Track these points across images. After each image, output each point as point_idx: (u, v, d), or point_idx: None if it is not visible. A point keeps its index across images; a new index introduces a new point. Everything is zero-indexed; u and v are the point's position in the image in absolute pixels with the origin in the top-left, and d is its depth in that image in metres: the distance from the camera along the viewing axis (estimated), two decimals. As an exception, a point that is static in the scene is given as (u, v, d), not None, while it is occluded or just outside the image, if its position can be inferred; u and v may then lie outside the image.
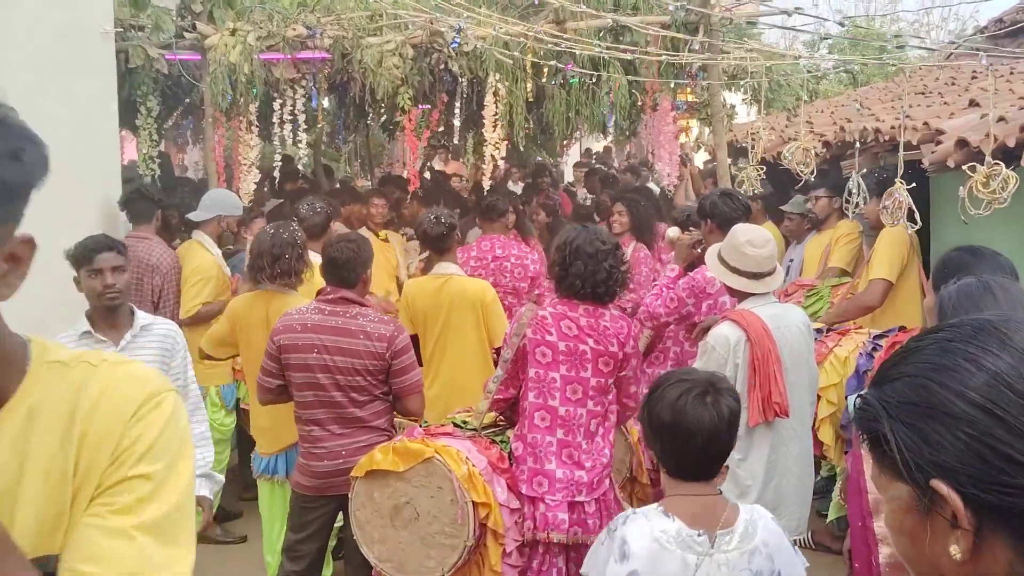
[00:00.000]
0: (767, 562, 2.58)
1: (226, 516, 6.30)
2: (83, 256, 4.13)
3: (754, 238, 4.27)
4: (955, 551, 1.02)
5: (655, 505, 2.64)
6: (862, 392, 1.17)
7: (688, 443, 2.60)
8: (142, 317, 4.24)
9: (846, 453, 4.45)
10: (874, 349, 4.91)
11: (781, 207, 7.39)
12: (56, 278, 5.47)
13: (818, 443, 4.84)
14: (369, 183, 12.43)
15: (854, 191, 5.86)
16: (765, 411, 4.10)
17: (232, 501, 6.48)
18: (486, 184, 8.60)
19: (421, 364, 5.16)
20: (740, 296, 4.33)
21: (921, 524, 1.07)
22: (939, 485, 1.02)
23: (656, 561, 2.50)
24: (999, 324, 1.08)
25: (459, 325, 5.30)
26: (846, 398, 4.55)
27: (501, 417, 4.32)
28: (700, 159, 13.61)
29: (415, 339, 5.30)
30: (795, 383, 4.21)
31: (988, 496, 1.00)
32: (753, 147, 7.43)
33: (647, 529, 2.54)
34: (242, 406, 6.07)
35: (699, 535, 2.55)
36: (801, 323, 4.38)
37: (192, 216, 6.33)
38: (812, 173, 6.72)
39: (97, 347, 3.82)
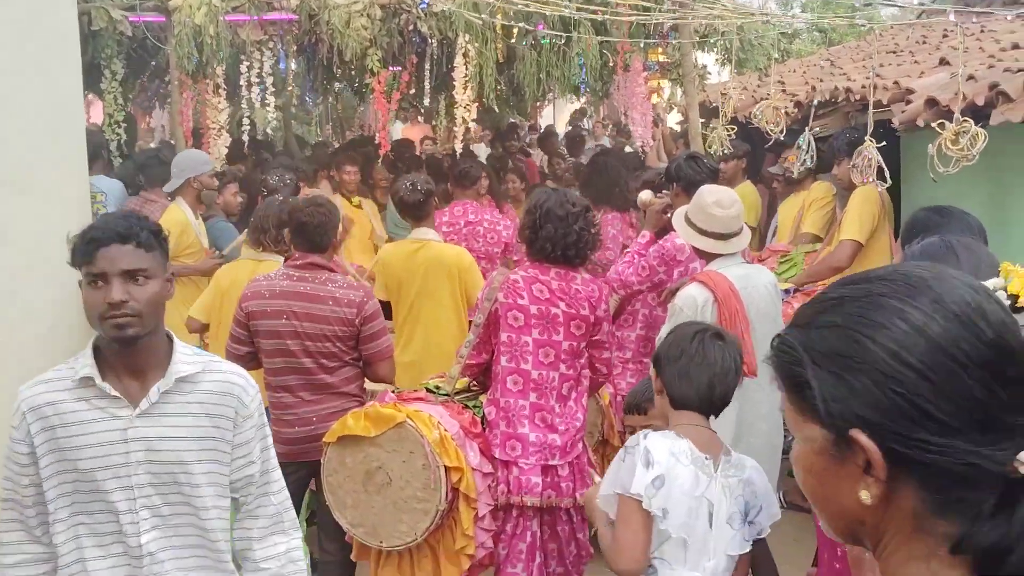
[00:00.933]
0: (753, 496, 2.79)
1: None
2: (81, 250, 2.40)
3: (721, 198, 4.29)
4: (865, 496, 1.08)
5: (666, 430, 2.79)
6: (780, 332, 1.18)
7: (701, 373, 2.79)
8: (184, 358, 2.49)
9: None
10: None
11: (769, 169, 7.39)
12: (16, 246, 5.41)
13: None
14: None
15: (803, 148, 5.86)
16: None
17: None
18: (457, 147, 8.53)
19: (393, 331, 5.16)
20: (708, 258, 4.34)
21: (832, 467, 1.11)
22: (859, 435, 1.06)
23: (674, 472, 2.65)
24: (933, 282, 1.09)
25: (434, 290, 5.26)
26: None
27: (474, 383, 4.32)
28: (672, 120, 13.57)
29: (389, 305, 5.27)
30: (763, 343, 4.22)
31: (907, 451, 1.04)
32: (723, 107, 7.40)
33: (666, 444, 2.69)
34: None
35: (706, 458, 2.73)
36: (769, 283, 4.42)
37: (166, 188, 6.35)
38: (782, 132, 6.71)
39: (101, 408, 2.39)
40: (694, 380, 2.80)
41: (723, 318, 4.10)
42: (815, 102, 6.14)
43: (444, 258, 5.29)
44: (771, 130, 6.62)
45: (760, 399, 4.28)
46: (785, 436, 4.49)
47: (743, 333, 4.09)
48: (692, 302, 4.16)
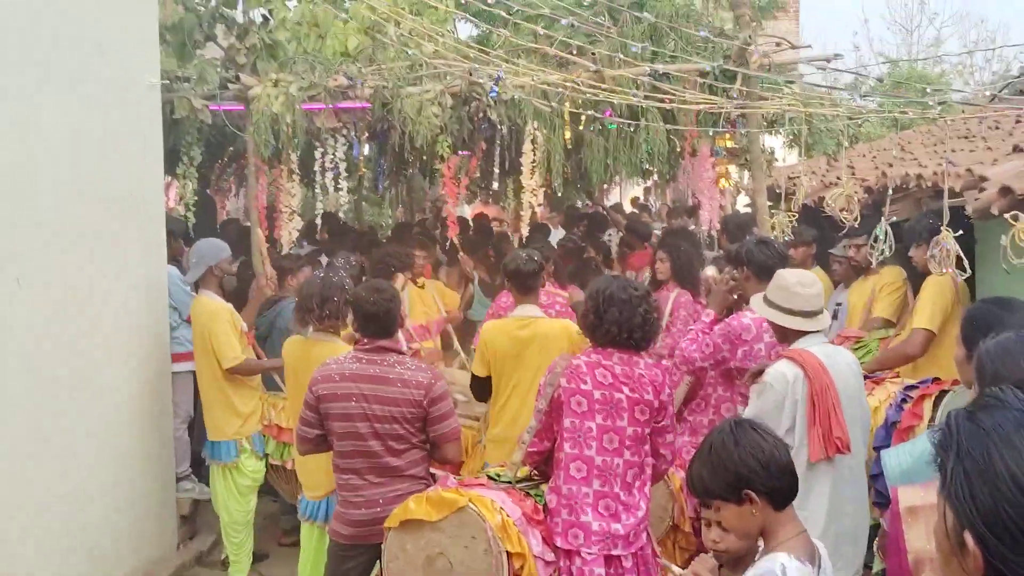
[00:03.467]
0: None
1: (259, 557, 6.41)
2: None
3: (802, 279, 4.40)
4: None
5: (782, 553, 2.54)
6: (962, 410, 1.22)
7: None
8: None
9: (875, 504, 4.38)
10: (904, 400, 4.82)
11: (830, 251, 7.34)
12: (105, 324, 5.62)
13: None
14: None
15: (880, 238, 5.81)
16: (827, 446, 4.08)
17: (268, 544, 6.58)
18: (524, 230, 8.65)
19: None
20: (791, 337, 4.34)
21: (952, 553, 1.17)
22: (968, 538, 1.11)
23: None
24: None
25: (541, 366, 5.14)
26: (875, 450, 4.48)
27: (535, 472, 4.31)
28: (741, 203, 13.58)
29: (487, 381, 5.26)
30: (849, 422, 4.20)
31: (1003, 569, 1.09)
32: (793, 193, 7.40)
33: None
34: (271, 462, 6.16)
35: (811, 568, 2.54)
36: (852, 363, 4.43)
37: (188, 279, 6.41)
38: (856, 220, 6.67)
39: None
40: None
41: (815, 393, 4.08)
42: (890, 190, 6.10)
43: (554, 334, 5.17)
44: (844, 218, 6.58)
45: (847, 479, 4.23)
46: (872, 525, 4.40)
47: (835, 407, 4.09)
48: (782, 378, 4.15)
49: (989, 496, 1.09)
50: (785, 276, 4.42)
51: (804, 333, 4.30)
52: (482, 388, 5.34)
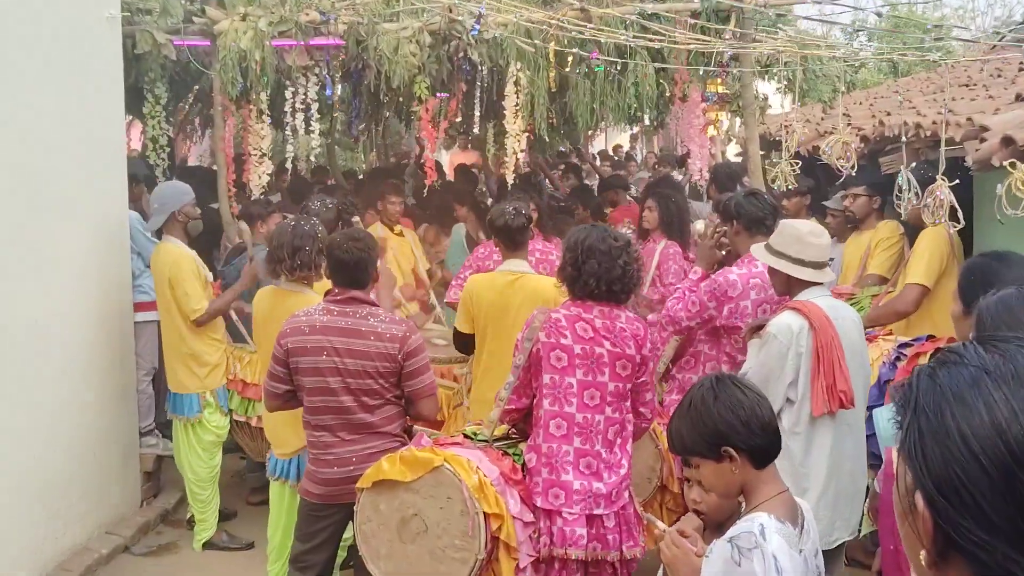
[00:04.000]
0: (816, 562, 2.61)
1: (227, 516, 6.38)
2: None
3: (813, 228, 4.48)
4: (922, 556, 1.14)
5: (762, 513, 2.51)
6: (926, 365, 1.21)
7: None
8: None
9: (870, 467, 4.40)
10: (897, 358, 4.84)
11: (823, 203, 7.30)
12: (60, 270, 5.53)
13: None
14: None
15: (904, 188, 5.73)
16: (830, 400, 4.10)
17: (235, 503, 6.57)
18: (509, 178, 8.55)
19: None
20: (795, 289, 4.34)
21: (905, 515, 1.18)
22: (919, 500, 1.12)
23: (798, 571, 2.45)
24: None
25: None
26: (868, 409, 4.49)
27: (513, 430, 4.30)
28: (731, 152, 13.54)
29: (470, 338, 5.21)
30: (852, 376, 4.22)
31: (952, 533, 1.09)
32: (786, 141, 7.35)
33: (783, 542, 2.44)
34: (236, 417, 6.11)
35: (795, 532, 2.53)
36: (854, 317, 4.46)
37: (150, 225, 6.28)
38: (853, 168, 6.63)
39: None
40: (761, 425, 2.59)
41: (820, 345, 4.10)
42: (903, 137, 6.04)
43: (542, 291, 5.06)
44: (841, 165, 6.53)
45: (848, 436, 4.26)
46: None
47: (840, 361, 4.10)
48: (787, 329, 4.16)
49: (940, 456, 1.09)
50: (796, 225, 4.46)
51: (809, 285, 4.31)
52: (466, 345, 5.29)
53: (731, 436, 2.56)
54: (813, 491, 4.11)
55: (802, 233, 4.35)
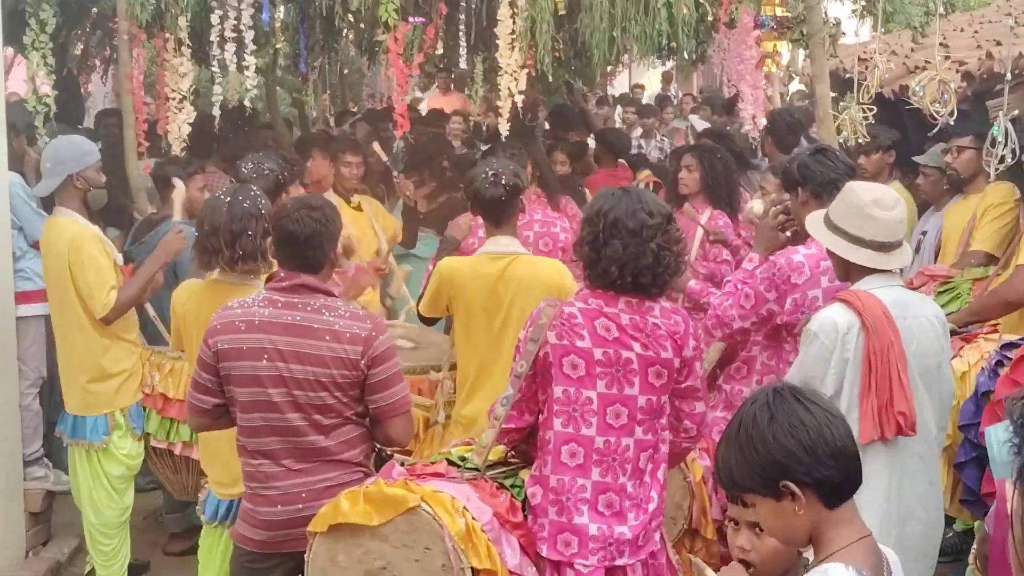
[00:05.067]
0: None
1: (138, 570, 6.37)
2: None
3: (881, 197, 4.25)
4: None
5: (837, 564, 2.50)
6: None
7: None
8: None
9: (963, 503, 4.41)
10: (999, 363, 4.77)
11: (915, 158, 7.29)
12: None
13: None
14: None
15: (1000, 141, 5.74)
16: (883, 424, 4.06)
17: (149, 552, 6.57)
18: (503, 128, 8.54)
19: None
20: (855, 275, 4.29)
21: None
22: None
23: None
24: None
25: (521, 318, 4.77)
26: (960, 429, 4.49)
27: (512, 453, 4.29)
28: (793, 93, 13.55)
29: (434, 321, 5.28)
30: (922, 395, 4.19)
31: None
32: (864, 79, 7.35)
33: None
34: (154, 443, 6.09)
35: None
36: (935, 317, 4.37)
37: (39, 191, 6.21)
38: (952, 115, 6.62)
39: None
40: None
41: (872, 351, 4.06)
42: (1008, 74, 6.02)
43: (541, 277, 5.08)
44: (936, 111, 6.53)
45: (917, 471, 4.23)
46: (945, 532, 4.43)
47: (899, 372, 4.06)
48: (832, 327, 4.12)
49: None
50: (857, 191, 4.29)
51: (871, 271, 4.24)
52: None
53: (792, 467, 2.50)
54: None
55: (863, 203, 4.22)
